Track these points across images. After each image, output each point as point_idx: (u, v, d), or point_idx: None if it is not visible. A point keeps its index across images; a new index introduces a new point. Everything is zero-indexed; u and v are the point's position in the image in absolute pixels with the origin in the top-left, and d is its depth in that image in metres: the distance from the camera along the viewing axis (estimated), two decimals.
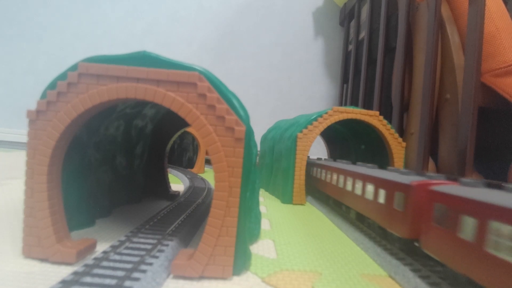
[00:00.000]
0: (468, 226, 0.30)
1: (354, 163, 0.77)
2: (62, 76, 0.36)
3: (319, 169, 0.85)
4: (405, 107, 1.07)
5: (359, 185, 0.58)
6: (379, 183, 0.49)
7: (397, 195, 0.43)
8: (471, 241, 0.29)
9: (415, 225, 0.39)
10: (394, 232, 0.44)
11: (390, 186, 0.46)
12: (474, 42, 0.77)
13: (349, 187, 0.63)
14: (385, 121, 0.85)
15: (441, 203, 0.35)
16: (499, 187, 0.33)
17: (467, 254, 0.30)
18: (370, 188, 0.53)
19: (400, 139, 0.86)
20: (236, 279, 0.35)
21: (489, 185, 0.34)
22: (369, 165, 0.64)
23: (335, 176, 0.72)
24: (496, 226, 0.27)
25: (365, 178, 0.55)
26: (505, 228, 0.26)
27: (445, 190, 0.35)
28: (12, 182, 0.81)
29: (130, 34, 1.88)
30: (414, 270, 0.38)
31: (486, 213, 0.28)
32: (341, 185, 0.67)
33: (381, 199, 0.48)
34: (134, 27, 1.88)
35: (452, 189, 0.34)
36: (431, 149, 0.92)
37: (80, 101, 0.35)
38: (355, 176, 0.60)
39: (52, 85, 0.36)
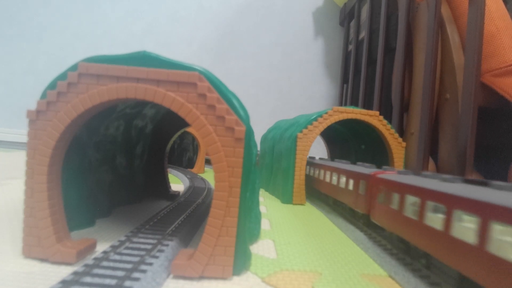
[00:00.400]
0: (395, 200, 0.44)
1: (333, 160, 0.90)
2: (62, 76, 0.36)
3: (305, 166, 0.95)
4: (405, 107, 1.07)
5: (335, 177, 0.72)
6: (350, 174, 0.63)
7: (361, 182, 0.57)
8: (396, 210, 0.43)
9: (370, 203, 0.53)
10: (358, 210, 0.58)
11: (357, 176, 0.59)
12: (474, 42, 0.77)
13: (327, 179, 0.77)
14: (385, 121, 0.85)
15: (381, 185, 0.49)
16: (417, 174, 0.46)
17: (395, 219, 0.44)
18: (343, 179, 0.67)
19: (400, 139, 0.86)
20: (236, 279, 0.35)
21: (415, 174, 0.47)
22: (344, 161, 0.78)
23: (317, 171, 0.85)
24: (411, 199, 0.40)
25: (340, 171, 0.69)
26: (415, 199, 0.40)
27: (384, 177, 0.49)
28: (12, 182, 0.81)
29: (130, 34, 1.88)
30: (414, 270, 0.38)
31: (403, 190, 0.42)
32: (321, 177, 0.81)
33: (350, 187, 0.62)
34: (134, 27, 1.88)
35: (388, 176, 0.48)
36: (431, 149, 0.92)
37: (80, 101, 0.35)
38: (332, 170, 0.74)
39: (52, 85, 0.36)
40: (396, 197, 0.44)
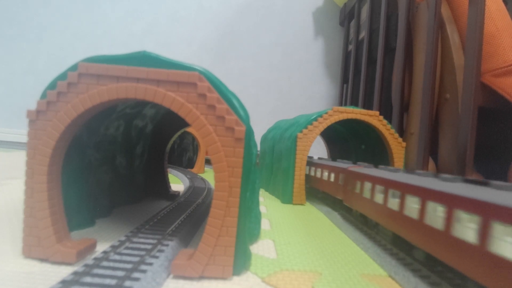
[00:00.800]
0: (358, 185, 0.58)
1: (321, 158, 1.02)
2: (62, 76, 0.36)
3: None
4: (405, 107, 1.07)
5: (319, 172, 0.84)
6: (333, 169, 0.75)
7: (340, 175, 0.69)
8: (358, 192, 0.57)
9: (344, 191, 0.66)
10: (338, 197, 0.71)
11: (337, 170, 0.72)
12: (474, 42, 0.77)
13: (312, 173, 0.89)
14: (385, 121, 0.85)
15: (349, 176, 0.63)
16: (377, 167, 0.59)
17: (357, 199, 0.58)
18: (326, 173, 0.79)
19: (400, 139, 0.86)
20: (236, 279, 0.35)
21: (375, 167, 0.60)
22: (328, 159, 0.93)
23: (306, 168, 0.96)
24: (367, 185, 0.53)
25: (324, 167, 0.81)
26: (369, 185, 0.53)
27: (352, 169, 0.63)
28: (12, 182, 0.81)
29: (130, 34, 1.88)
30: (414, 270, 0.38)
31: (363, 178, 0.56)
32: (307, 172, 0.93)
33: (332, 179, 0.75)
34: (134, 27, 1.88)
35: (356, 169, 0.62)
36: (431, 149, 0.92)
37: (80, 101, 0.35)
38: (318, 166, 0.86)
39: (52, 85, 0.36)
40: (358, 183, 0.58)
